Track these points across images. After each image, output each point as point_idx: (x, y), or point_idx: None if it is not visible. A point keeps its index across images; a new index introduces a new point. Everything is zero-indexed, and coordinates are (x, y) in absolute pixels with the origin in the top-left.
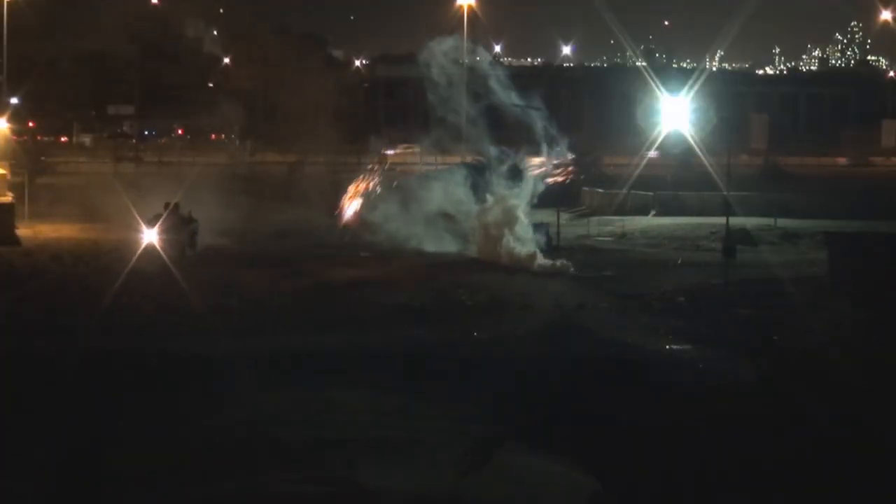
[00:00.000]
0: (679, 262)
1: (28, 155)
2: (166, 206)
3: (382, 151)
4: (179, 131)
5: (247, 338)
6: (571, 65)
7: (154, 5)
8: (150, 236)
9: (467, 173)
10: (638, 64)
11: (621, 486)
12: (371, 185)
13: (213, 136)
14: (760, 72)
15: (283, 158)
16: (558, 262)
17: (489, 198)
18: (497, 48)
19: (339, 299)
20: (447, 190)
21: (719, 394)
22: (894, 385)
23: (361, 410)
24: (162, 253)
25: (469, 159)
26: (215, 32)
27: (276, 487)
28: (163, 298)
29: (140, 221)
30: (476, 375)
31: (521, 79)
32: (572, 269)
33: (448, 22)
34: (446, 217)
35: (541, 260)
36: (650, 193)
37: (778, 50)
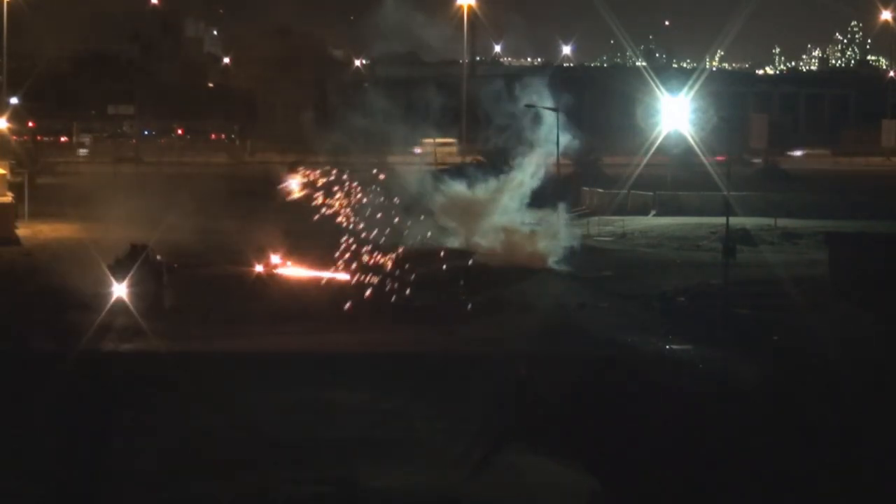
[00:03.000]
0: (678, 262)
1: (28, 155)
2: (133, 247)
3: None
4: (179, 131)
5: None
6: (571, 65)
7: (154, 5)
8: (119, 290)
9: (465, 172)
10: (638, 64)
11: (621, 486)
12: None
13: (213, 136)
14: (760, 72)
15: (282, 158)
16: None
17: (486, 195)
18: (497, 48)
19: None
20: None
21: (719, 393)
22: (894, 384)
23: (361, 411)
24: (136, 314)
25: (469, 159)
26: (215, 32)
27: (276, 487)
28: None
29: (107, 273)
30: (476, 375)
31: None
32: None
33: (448, 22)
34: (437, 214)
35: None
36: (650, 193)
37: (778, 50)
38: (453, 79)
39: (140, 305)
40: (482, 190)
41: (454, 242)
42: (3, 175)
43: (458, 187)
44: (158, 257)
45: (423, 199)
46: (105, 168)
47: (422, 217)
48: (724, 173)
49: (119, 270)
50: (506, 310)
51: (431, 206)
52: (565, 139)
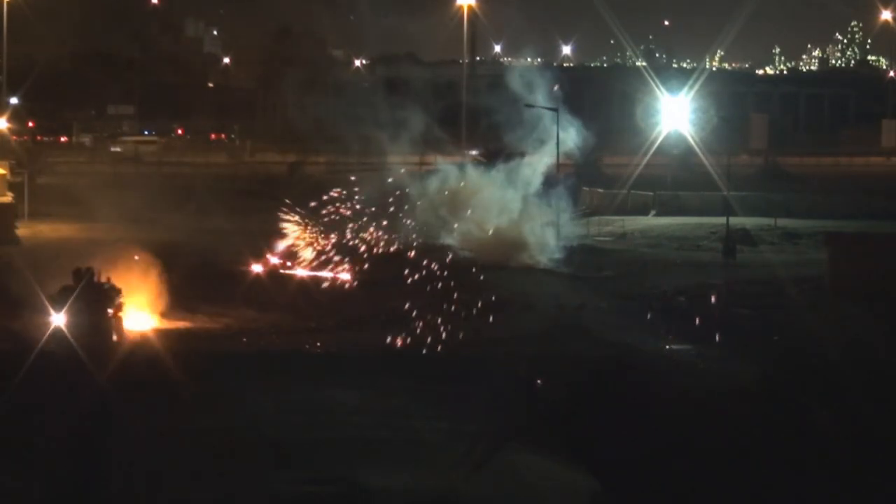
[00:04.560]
0: (679, 262)
1: (28, 155)
2: (76, 273)
3: None
4: (179, 131)
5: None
6: (572, 65)
7: (154, 5)
8: (57, 320)
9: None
10: (638, 64)
11: (621, 486)
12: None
13: (213, 135)
14: (760, 72)
15: (282, 158)
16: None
17: (484, 194)
18: (497, 48)
19: None
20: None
21: (719, 393)
22: (894, 385)
23: (361, 411)
24: (75, 346)
25: (469, 158)
26: (215, 32)
27: (275, 487)
28: None
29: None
30: (476, 375)
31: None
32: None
33: (449, 22)
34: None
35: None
36: (650, 193)
37: (778, 50)
38: (453, 78)
39: (79, 337)
40: (480, 189)
41: (451, 241)
42: (3, 175)
43: (456, 186)
44: (108, 283)
45: (421, 198)
46: (105, 168)
47: (419, 216)
48: (724, 173)
49: (62, 298)
50: (505, 309)
51: (429, 204)
52: (571, 138)
